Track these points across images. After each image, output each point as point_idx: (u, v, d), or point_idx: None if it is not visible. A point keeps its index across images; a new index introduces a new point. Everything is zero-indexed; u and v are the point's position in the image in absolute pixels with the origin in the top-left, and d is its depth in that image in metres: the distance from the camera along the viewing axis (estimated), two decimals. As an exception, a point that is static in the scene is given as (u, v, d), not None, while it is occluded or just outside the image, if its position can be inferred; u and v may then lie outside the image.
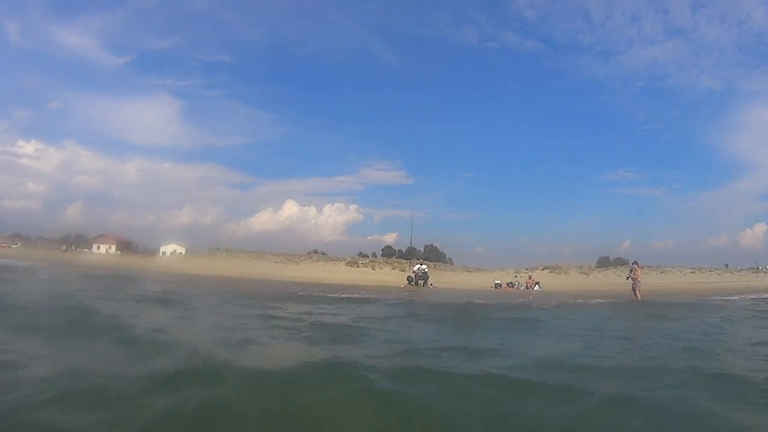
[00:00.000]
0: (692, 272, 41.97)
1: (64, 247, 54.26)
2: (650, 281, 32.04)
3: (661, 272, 39.38)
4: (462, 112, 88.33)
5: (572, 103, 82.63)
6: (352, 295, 17.38)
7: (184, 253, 45.57)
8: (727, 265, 49.56)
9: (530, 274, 31.31)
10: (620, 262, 37.09)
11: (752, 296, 21.73)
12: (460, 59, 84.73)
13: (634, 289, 20.02)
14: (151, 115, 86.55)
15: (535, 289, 28.10)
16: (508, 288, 28.77)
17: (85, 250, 54.57)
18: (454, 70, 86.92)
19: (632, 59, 76.44)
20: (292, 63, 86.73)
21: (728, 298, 20.76)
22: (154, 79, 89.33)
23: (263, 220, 63.40)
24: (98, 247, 55.33)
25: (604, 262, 41.88)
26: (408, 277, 28.02)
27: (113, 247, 54.41)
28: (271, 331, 7.94)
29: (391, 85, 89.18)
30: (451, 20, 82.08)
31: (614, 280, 28.61)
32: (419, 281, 26.79)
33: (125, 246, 54.26)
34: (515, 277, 32.15)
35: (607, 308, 15.67)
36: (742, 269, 50.49)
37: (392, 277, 31.33)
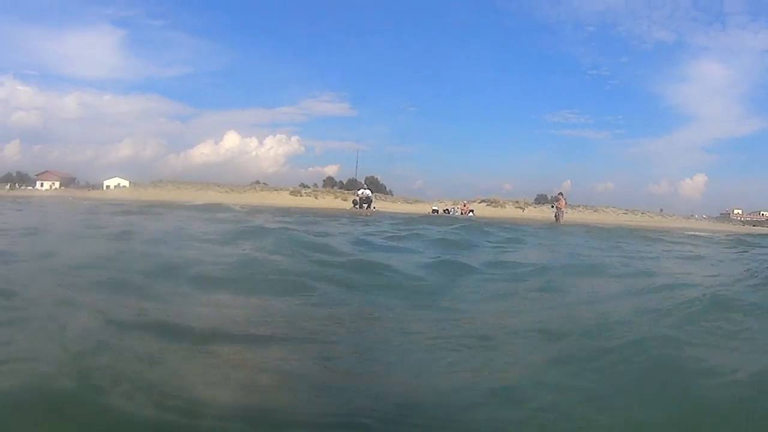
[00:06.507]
0: (625, 213, 44.44)
1: (8, 186, 52.73)
2: (580, 216, 34.05)
3: (594, 211, 41.67)
4: (409, 45, 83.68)
5: (520, 41, 79.02)
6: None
7: (128, 186, 44.95)
8: (661, 210, 52.35)
9: (466, 203, 32.63)
10: (557, 200, 38.75)
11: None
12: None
13: (556, 216, 21.14)
14: (92, 47, 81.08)
15: (468, 215, 29.43)
16: (444, 213, 30.03)
17: (29, 187, 53.31)
18: (402, 2, 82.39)
19: (585, 4, 75.50)
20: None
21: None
22: (95, 9, 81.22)
23: (204, 152, 61.47)
24: (42, 184, 53.91)
25: (541, 200, 43.75)
26: (353, 201, 29.37)
27: (57, 184, 53.09)
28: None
29: (338, 14, 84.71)
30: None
31: (549, 215, 30.06)
32: (363, 204, 28.03)
33: (69, 181, 53.00)
34: (452, 205, 33.49)
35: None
36: (675, 215, 53.93)
37: (336, 204, 32.14)
